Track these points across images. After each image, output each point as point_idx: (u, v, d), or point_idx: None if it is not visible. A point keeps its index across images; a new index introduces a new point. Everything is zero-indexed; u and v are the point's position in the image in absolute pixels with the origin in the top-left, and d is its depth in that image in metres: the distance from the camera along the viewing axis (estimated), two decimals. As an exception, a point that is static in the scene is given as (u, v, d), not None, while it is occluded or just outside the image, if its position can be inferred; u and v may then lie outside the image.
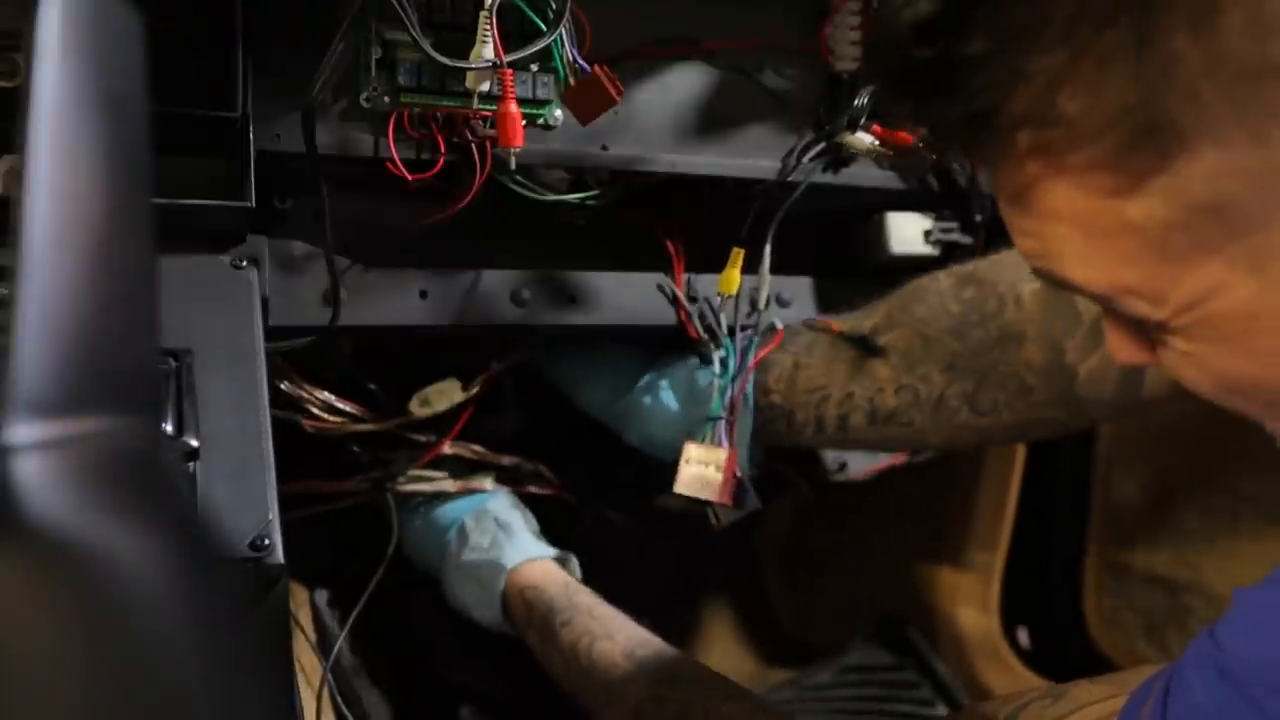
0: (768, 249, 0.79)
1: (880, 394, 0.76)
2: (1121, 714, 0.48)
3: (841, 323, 0.79)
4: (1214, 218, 0.35)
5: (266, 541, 0.54)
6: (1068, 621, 1.13)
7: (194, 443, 0.53)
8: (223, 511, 0.54)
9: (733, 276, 0.77)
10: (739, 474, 0.79)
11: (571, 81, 0.66)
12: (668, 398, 0.83)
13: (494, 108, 0.66)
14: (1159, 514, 1.07)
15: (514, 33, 0.64)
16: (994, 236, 0.85)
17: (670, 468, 0.78)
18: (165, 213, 0.59)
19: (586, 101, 0.65)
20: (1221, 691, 0.42)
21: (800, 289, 0.87)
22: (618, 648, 0.72)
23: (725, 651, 1.17)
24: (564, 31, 0.64)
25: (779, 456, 0.86)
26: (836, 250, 0.92)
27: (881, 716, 1.05)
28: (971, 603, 1.12)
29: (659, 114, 0.75)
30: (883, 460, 0.97)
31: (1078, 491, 1.12)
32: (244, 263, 0.65)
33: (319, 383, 0.79)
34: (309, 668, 0.79)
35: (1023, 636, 1.15)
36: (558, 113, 0.71)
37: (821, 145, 0.74)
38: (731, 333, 0.80)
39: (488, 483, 0.88)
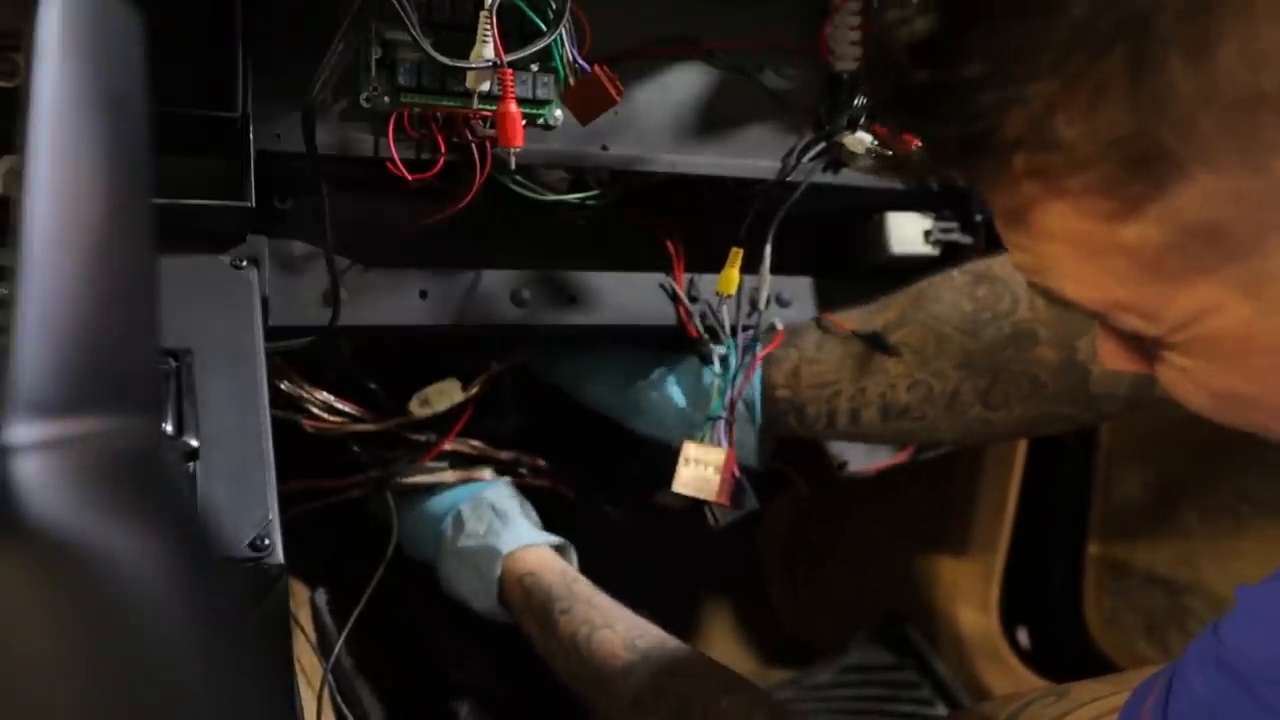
0: (768, 249, 0.78)
1: (893, 389, 0.76)
2: (1123, 711, 0.48)
3: (851, 320, 0.79)
4: (1208, 242, 0.36)
5: (266, 541, 0.54)
6: (1068, 621, 1.13)
7: (194, 443, 0.53)
8: (223, 511, 0.54)
9: (732, 276, 0.77)
10: (737, 474, 0.79)
11: (571, 81, 0.66)
12: (675, 393, 0.83)
13: (494, 108, 0.66)
14: (1160, 513, 1.07)
15: (514, 32, 0.64)
16: (994, 236, 0.85)
17: (670, 464, 0.78)
18: (165, 213, 0.59)
19: (586, 101, 0.65)
20: (1223, 686, 0.42)
21: (800, 289, 0.87)
22: (617, 638, 0.72)
23: (725, 651, 1.17)
24: (564, 31, 0.64)
25: (779, 455, 0.86)
26: (836, 250, 0.92)
27: (881, 716, 1.05)
28: (971, 602, 1.12)
29: (659, 114, 0.75)
30: (883, 459, 0.97)
31: (1078, 491, 1.12)
32: (244, 263, 0.65)
33: (319, 383, 0.79)
34: (309, 668, 0.79)
35: (1023, 636, 1.15)
36: (558, 113, 0.71)
37: (821, 145, 0.74)
38: (733, 332, 0.80)
39: (487, 473, 0.87)
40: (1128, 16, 0.33)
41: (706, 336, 0.80)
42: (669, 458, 0.78)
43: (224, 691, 0.27)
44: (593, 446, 0.93)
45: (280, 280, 0.70)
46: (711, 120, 0.76)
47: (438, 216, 0.71)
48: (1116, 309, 0.40)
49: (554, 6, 0.64)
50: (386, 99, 0.67)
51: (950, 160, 0.41)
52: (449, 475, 0.86)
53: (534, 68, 0.69)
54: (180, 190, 0.61)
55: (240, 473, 0.56)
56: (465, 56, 0.64)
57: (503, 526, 0.82)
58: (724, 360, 0.79)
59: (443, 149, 0.68)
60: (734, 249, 0.77)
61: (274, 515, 0.55)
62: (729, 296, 0.78)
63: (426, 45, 0.61)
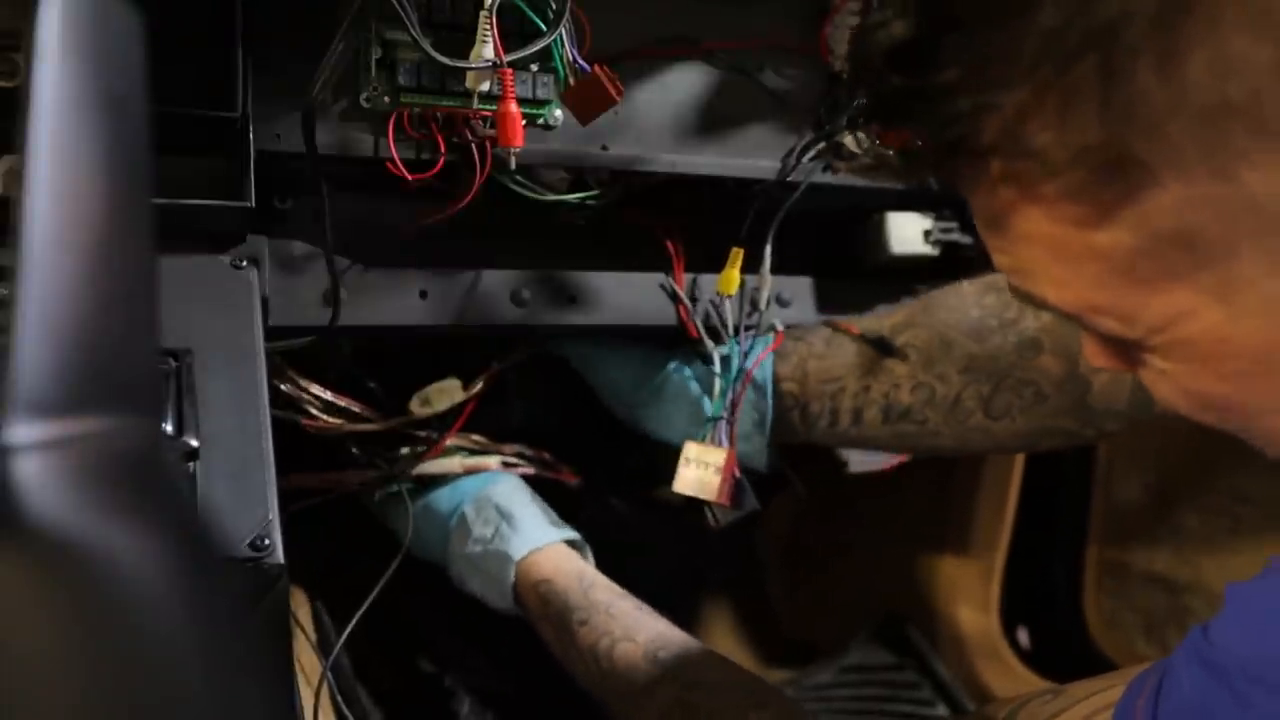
0: (768, 249, 0.79)
1: (896, 390, 0.76)
2: (1118, 706, 0.49)
3: (860, 324, 0.79)
4: (1180, 247, 0.36)
5: (266, 541, 0.54)
6: (1068, 621, 1.13)
7: (194, 443, 0.53)
8: (223, 511, 0.54)
9: (732, 276, 0.77)
10: (738, 475, 0.79)
11: (571, 81, 0.66)
12: (692, 385, 0.83)
13: (494, 108, 0.66)
14: (1159, 514, 1.07)
15: (514, 32, 0.64)
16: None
17: (671, 460, 0.78)
18: (165, 213, 0.59)
19: (586, 101, 0.65)
20: (1207, 684, 0.43)
21: (800, 289, 0.87)
22: (639, 649, 0.71)
23: (725, 651, 1.16)
24: (564, 31, 0.64)
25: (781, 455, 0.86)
26: (836, 250, 0.92)
27: (881, 716, 1.05)
28: (971, 602, 1.12)
29: (659, 114, 0.75)
30: (884, 459, 0.97)
31: (1078, 491, 1.12)
32: (244, 263, 0.65)
33: (319, 382, 0.79)
34: (309, 668, 0.79)
35: (1023, 636, 1.15)
36: (558, 113, 0.71)
37: (821, 145, 0.74)
38: (735, 332, 0.80)
39: (493, 462, 0.87)
40: (1097, 26, 0.33)
41: (707, 336, 0.80)
42: (671, 453, 0.78)
43: (224, 692, 0.27)
44: (598, 436, 0.93)
45: (280, 280, 0.70)
46: (711, 120, 0.76)
47: (438, 216, 0.71)
48: (1093, 312, 0.40)
49: (554, 6, 0.64)
50: (386, 99, 0.67)
51: (927, 164, 0.42)
52: (455, 464, 0.86)
53: (534, 68, 0.69)
54: (180, 190, 0.61)
55: (240, 473, 0.56)
56: (465, 56, 0.64)
57: (511, 530, 0.80)
58: (725, 360, 0.79)
59: (443, 149, 0.68)
60: (734, 249, 0.77)
61: (274, 515, 0.55)
62: (729, 296, 0.78)
63: (426, 45, 0.61)
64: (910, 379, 0.76)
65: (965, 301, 0.76)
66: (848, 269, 0.91)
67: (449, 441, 0.85)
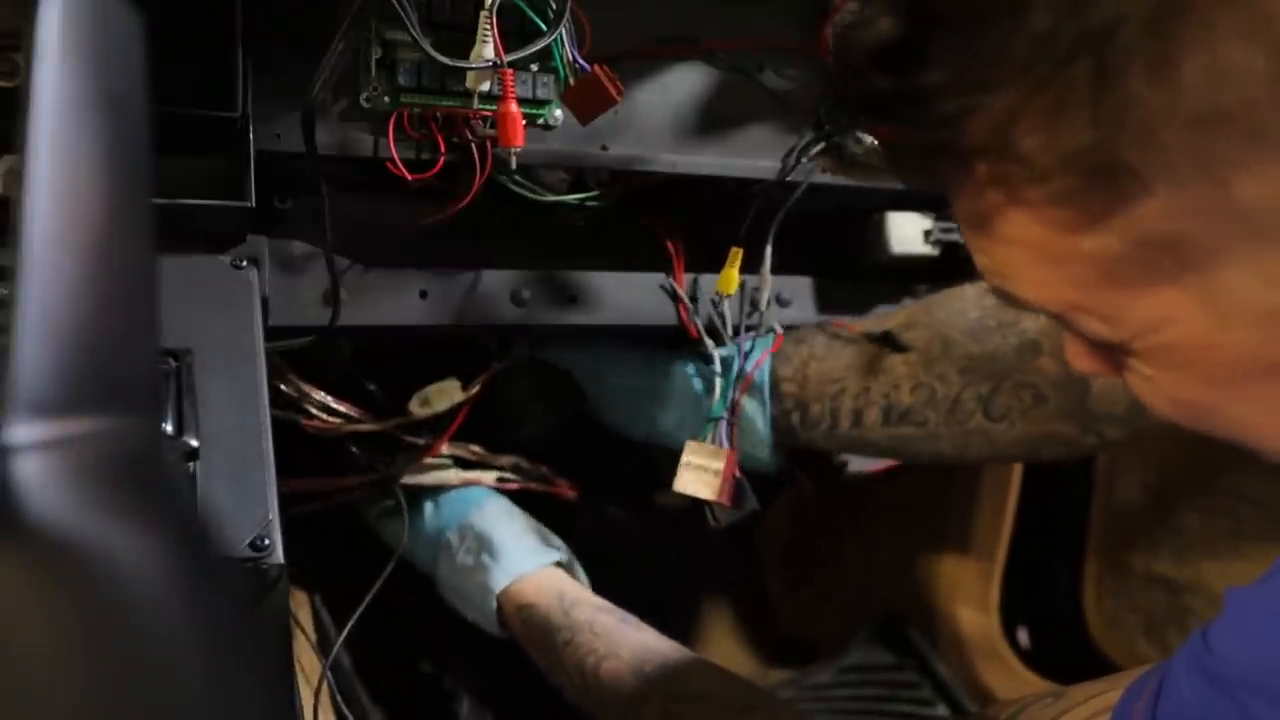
0: (768, 249, 0.79)
1: (896, 390, 0.76)
2: (1116, 708, 0.49)
3: (860, 325, 0.79)
4: (1168, 253, 0.35)
5: (266, 541, 0.54)
6: (1068, 621, 1.13)
7: (194, 443, 0.53)
8: (223, 511, 0.54)
9: (732, 276, 0.77)
10: (738, 475, 0.79)
11: (571, 81, 0.65)
12: (696, 384, 0.83)
13: (494, 107, 0.66)
14: (1160, 514, 1.07)
15: (514, 32, 0.64)
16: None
17: (668, 464, 0.78)
18: (165, 213, 0.59)
19: (586, 101, 0.65)
20: (1207, 691, 0.42)
21: (800, 289, 0.87)
22: (624, 665, 0.71)
23: (725, 651, 1.17)
24: (564, 31, 0.64)
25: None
26: (836, 250, 0.92)
27: (881, 716, 1.05)
28: (971, 602, 1.12)
29: (659, 114, 0.75)
30: (881, 462, 0.97)
31: (1078, 491, 1.12)
32: (244, 263, 0.65)
33: (319, 383, 0.79)
34: (309, 668, 0.79)
35: (1023, 636, 1.15)
36: (558, 113, 0.71)
37: (821, 145, 0.74)
38: (735, 332, 0.80)
39: (488, 476, 0.87)
40: (1090, 30, 0.32)
41: (707, 337, 0.80)
42: (671, 456, 0.78)
43: (224, 692, 0.27)
44: (593, 446, 0.93)
45: (280, 280, 0.70)
46: (711, 120, 0.76)
47: (438, 216, 0.70)
48: (1075, 311, 0.40)
49: (554, 6, 0.64)
50: (386, 99, 0.67)
51: (913, 165, 0.41)
52: (452, 475, 0.86)
53: (534, 67, 0.69)
54: (180, 190, 0.61)
55: (240, 473, 0.56)
56: (465, 56, 0.64)
57: (492, 560, 0.80)
58: (725, 361, 0.79)
59: (443, 149, 0.68)
60: (734, 249, 0.77)
61: (274, 515, 0.55)
62: (729, 296, 0.78)
63: (426, 45, 0.61)
64: (911, 379, 0.76)
65: (966, 303, 0.76)
66: (848, 269, 0.91)
67: (445, 450, 0.85)
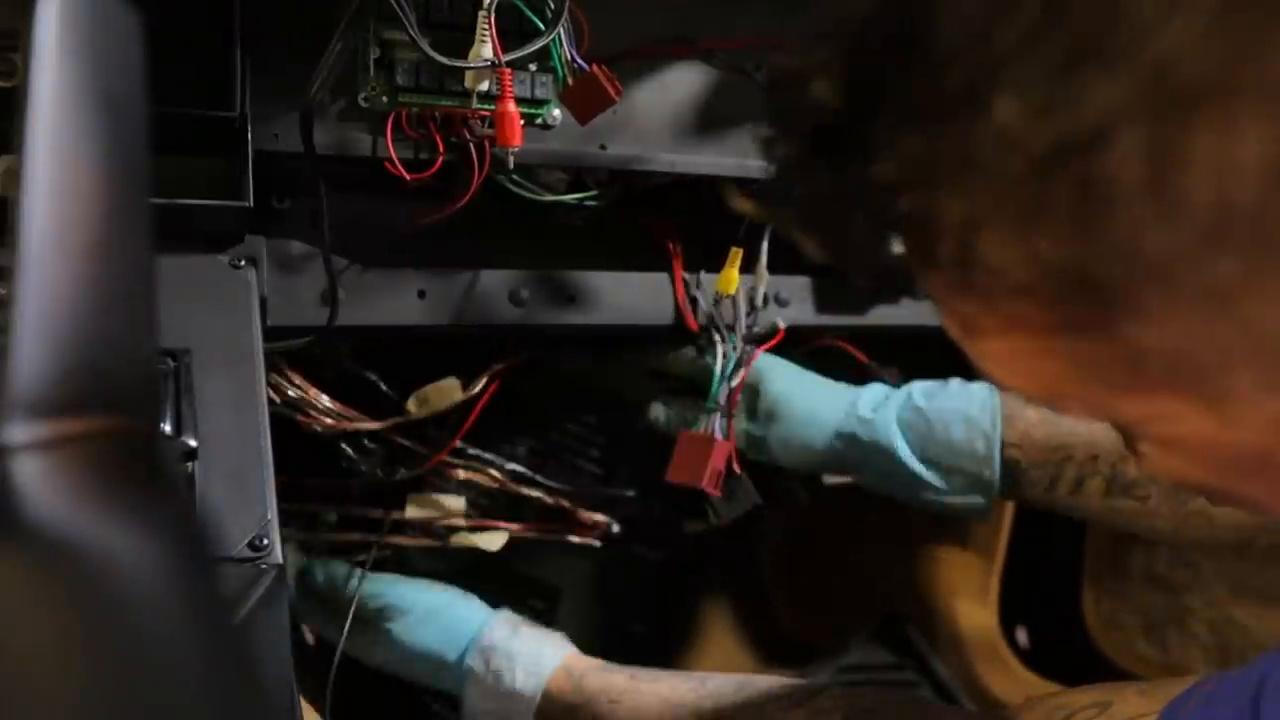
0: (764, 248, 0.79)
1: (1124, 462, 0.72)
2: None
3: None
4: (1166, 366, 0.30)
5: (265, 541, 0.54)
6: (1067, 622, 1.13)
7: (192, 443, 0.53)
8: (221, 511, 0.54)
9: (731, 276, 0.77)
10: (737, 469, 0.79)
11: (570, 81, 0.66)
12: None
13: (492, 107, 0.66)
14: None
15: (512, 32, 0.64)
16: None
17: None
18: (164, 212, 0.59)
19: (585, 101, 0.65)
20: None
21: (799, 288, 0.87)
22: None
23: (725, 651, 1.17)
24: (562, 31, 0.64)
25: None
26: (836, 250, 0.92)
27: (881, 716, 1.05)
28: (971, 602, 1.12)
29: (657, 114, 0.75)
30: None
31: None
32: (242, 262, 0.65)
33: (317, 382, 0.79)
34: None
35: (1022, 636, 1.15)
36: (556, 112, 0.71)
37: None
38: (732, 329, 0.80)
39: (499, 539, 0.83)
40: (1071, 135, 0.26)
41: (709, 332, 0.80)
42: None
43: (224, 692, 0.27)
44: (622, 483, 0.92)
45: (278, 280, 0.70)
46: (711, 120, 0.76)
47: (436, 216, 0.70)
48: (1058, 400, 0.34)
49: (552, 6, 0.64)
50: (384, 99, 0.67)
51: (866, 256, 0.35)
52: (460, 521, 0.83)
53: (532, 67, 0.69)
54: (179, 190, 0.61)
55: (239, 472, 0.56)
56: (463, 56, 0.64)
57: (524, 674, 0.74)
58: (724, 355, 0.79)
59: (441, 149, 0.68)
60: (733, 249, 0.77)
61: (273, 515, 0.55)
62: (728, 296, 0.78)
63: (424, 45, 0.61)
64: None
65: None
66: (847, 269, 0.91)
67: (462, 475, 0.83)
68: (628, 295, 0.81)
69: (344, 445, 0.82)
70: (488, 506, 0.85)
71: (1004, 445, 0.76)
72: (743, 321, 0.80)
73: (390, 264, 0.74)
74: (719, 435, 0.77)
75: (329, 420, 0.79)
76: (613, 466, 0.90)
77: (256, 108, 0.64)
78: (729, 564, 1.21)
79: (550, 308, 0.79)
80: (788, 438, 0.81)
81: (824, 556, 1.23)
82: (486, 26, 0.63)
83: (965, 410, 0.77)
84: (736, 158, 0.77)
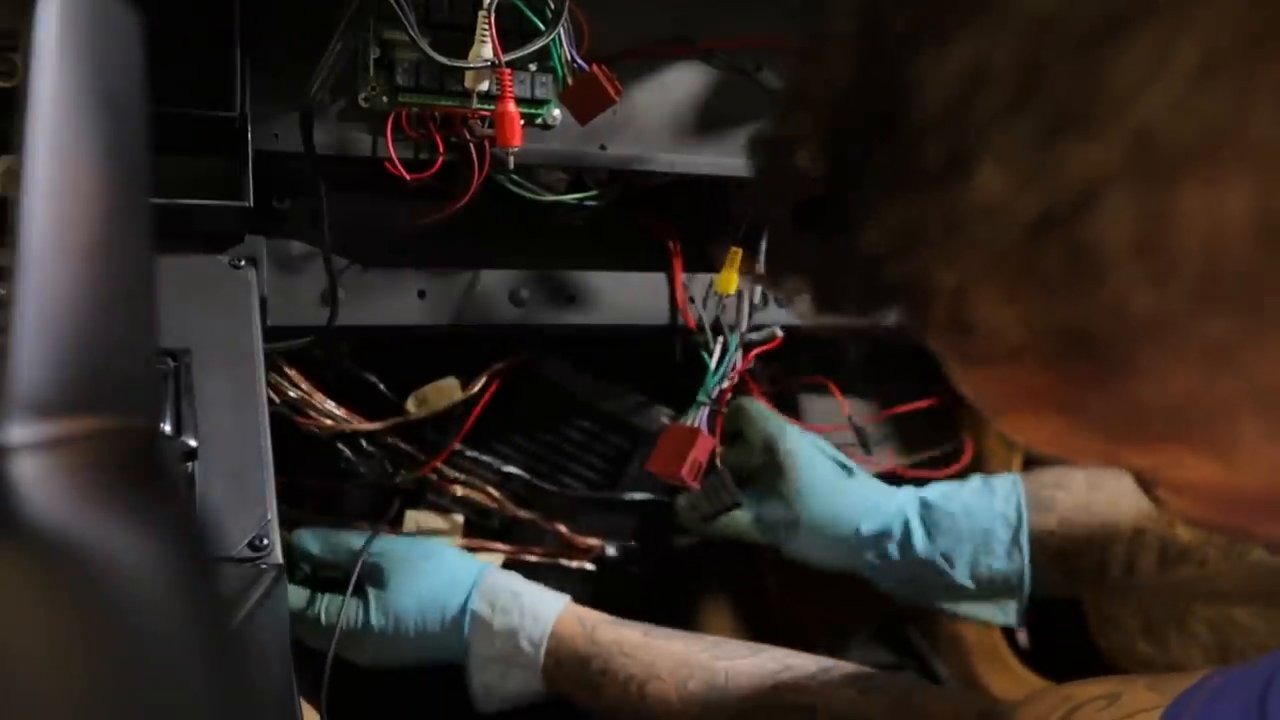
0: (764, 247, 0.79)
1: (1173, 528, 0.70)
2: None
3: None
4: (1166, 419, 0.29)
5: (265, 541, 0.54)
6: (1067, 621, 1.13)
7: (192, 443, 0.53)
8: (221, 511, 0.54)
9: (731, 277, 0.77)
10: (720, 465, 0.79)
11: (570, 81, 0.66)
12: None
13: (492, 107, 0.66)
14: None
15: (512, 32, 0.64)
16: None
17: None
18: (164, 212, 0.59)
19: (585, 101, 0.65)
20: None
21: (799, 288, 0.87)
22: (669, 686, 0.68)
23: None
24: (562, 31, 0.64)
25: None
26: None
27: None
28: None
29: (658, 114, 0.75)
30: (884, 463, 0.97)
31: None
32: (242, 262, 0.65)
33: (317, 383, 0.79)
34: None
35: (1022, 637, 1.15)
36: (556, 112, 0.71)
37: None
38: (732, 329, 0.80)
39: (496, 561, 0.82)
40: (1057, 200, 0.26)
41: (707, 329, 0.80)
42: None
43: (224, 692, 0.27)
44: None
45: (279, 280, 0.70)
46: (711, 120, 0.76)
47: (436, 216, 0.71)
48: (1067, 453, 0.34)
49: (552, 6, 0.64)
50: (385, 99, 0.67)
51: (860, 322, 0.35)
52: (457, 538, 0.82)
53: (532, 67, 0.69)
54: (179, 190, 0.61)
55: (239, 473, 0.56)
56: (463, 56, 0.64)
57: (527, 612, 0.72)
58: (721, 353, 0.79)
59: (441, 149, 0.68)
60: (733, 249, 0.77)
61: (273, 515, 0.55)
62: (728, 296, 0.78)
63: (424, 45, 0.61)
64: None
65: None
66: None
67: (458, 491, 0.83)
68: (627, 295, 0.81)
69: (342, 446, 0.82)
70: (484, 525, 0.85)
71: (1043, 535, 0.74)
72: (743, 322, 0.80)
73: (390, 264, 0.74)
74: (705, 429, 0.77)
75: (328, 421, 0.79)
76: (609, 471, 0.90)
77: (256, 108, 0.64)
78: (729, 563, 1.21)
79: (550, 308, 0.79)
80: (806, 542, 0.83)
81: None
82: (486, 26, 0.63)
83: (990, 508, 0.76)
84: (736, 158, 0.77)
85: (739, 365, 0.79)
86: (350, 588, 0.73)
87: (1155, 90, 0.24)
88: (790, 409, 0.96)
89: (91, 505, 0.26)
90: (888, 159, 0.29)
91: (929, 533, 0.78)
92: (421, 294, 0.75)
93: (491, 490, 0.84)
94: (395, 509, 0.83)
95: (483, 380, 0.84)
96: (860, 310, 0.33)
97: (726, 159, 0.77)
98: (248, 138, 0.64)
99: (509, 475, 0.85)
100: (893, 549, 0.79)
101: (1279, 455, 0.29)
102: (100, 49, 0.32)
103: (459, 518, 0.84)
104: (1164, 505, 0.35)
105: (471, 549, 0.82)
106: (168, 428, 0.52)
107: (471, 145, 0.68)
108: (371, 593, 0.73)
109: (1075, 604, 1.12)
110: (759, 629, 1.20)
